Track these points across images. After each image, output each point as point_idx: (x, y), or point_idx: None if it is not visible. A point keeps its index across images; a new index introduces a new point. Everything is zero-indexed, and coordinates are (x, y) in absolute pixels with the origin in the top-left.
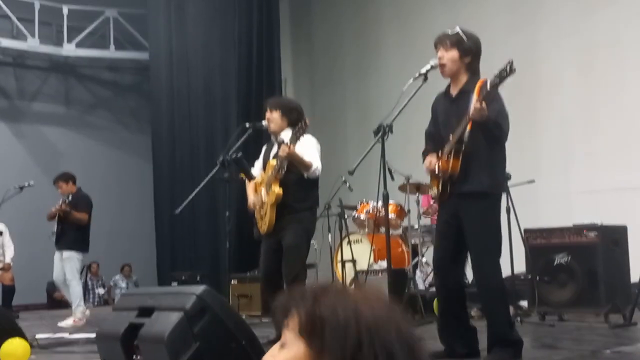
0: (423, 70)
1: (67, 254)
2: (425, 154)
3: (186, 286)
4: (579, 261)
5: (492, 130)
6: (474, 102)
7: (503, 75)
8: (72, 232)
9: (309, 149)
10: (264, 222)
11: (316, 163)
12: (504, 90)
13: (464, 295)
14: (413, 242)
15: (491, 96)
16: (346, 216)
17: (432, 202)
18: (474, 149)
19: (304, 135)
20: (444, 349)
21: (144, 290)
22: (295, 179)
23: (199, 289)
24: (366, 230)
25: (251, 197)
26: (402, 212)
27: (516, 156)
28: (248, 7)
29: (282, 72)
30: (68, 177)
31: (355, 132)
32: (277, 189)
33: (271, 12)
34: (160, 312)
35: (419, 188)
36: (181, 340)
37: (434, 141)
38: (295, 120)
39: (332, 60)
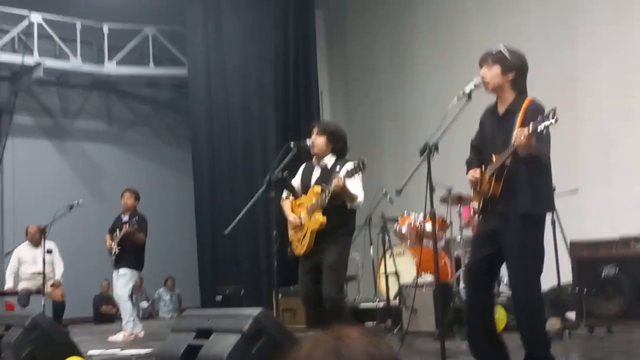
0: (467, 90)
1: (122, 271)
2: (468, 164)
3: (242, 308)
4: (627, 273)
5: (535, 161)
6: (520, 135)
7: (546, 124)
8: (130, 252)
9: (354, 181)
10: (302, 245)
11: (361, 196)
12: (543, 100)
13: (492, 307)
14: (455, 254)
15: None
16: (388, 228)
17: (472, 213)
18: (516, 172)
19: (329, 156)
20: None
21: (201, 312)
22: (338, 206)
23: (255, 311)
24: (408, 242)
25: (290, 216)
26: (444, 225)
27: (558, 168)
28: (284, 23)
29: (318, 84)
30: (139, 196)
31: (392, 145)
32: (321, 218)
33: (307, 26)
34: (218, 334)
35: (460, 200)
36: None
37: (478, 153)
38: (340, 149)
39: (368, 73)
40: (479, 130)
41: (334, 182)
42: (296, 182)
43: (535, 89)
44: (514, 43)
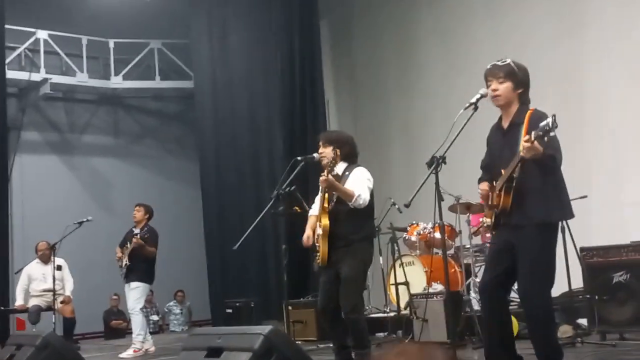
0: (473, 100)
1: (134, 284)
2: (480, 183)
3: (252, 327)
4: (639, 279)
5: (547, 163)
6: (523, 141)
7: (546, 129)
8: (140, 265)
9: (356, 180)
10: (319, 254)
11: (359, 192)
12: (550, 100)
13: (509, 320)
14: (465, 262)
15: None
16: (397, 238)
17: (482, 222)
18: (525, 182)
19: (340, 164)
20: None
21: (211, 330)
22: (347, 210)
23: (266, 329)
24: (417, 251)
25: (307, 231)
26: (453, 233)
27: (566, 169)
28: (289, 33)
29: (324, 93)
30: (150, 210)
31: (399, 150)
32: (324, 221)
33: (312, 36)
34: (229, 352)
35: (469, 208)
36: None
37: (489, 172)
38: (347, 153)
39: (374, 78)
40: (488, 149)
41: (320, 178)
42: (319, 199)
43: (544, 82)
44: (520, 38)
